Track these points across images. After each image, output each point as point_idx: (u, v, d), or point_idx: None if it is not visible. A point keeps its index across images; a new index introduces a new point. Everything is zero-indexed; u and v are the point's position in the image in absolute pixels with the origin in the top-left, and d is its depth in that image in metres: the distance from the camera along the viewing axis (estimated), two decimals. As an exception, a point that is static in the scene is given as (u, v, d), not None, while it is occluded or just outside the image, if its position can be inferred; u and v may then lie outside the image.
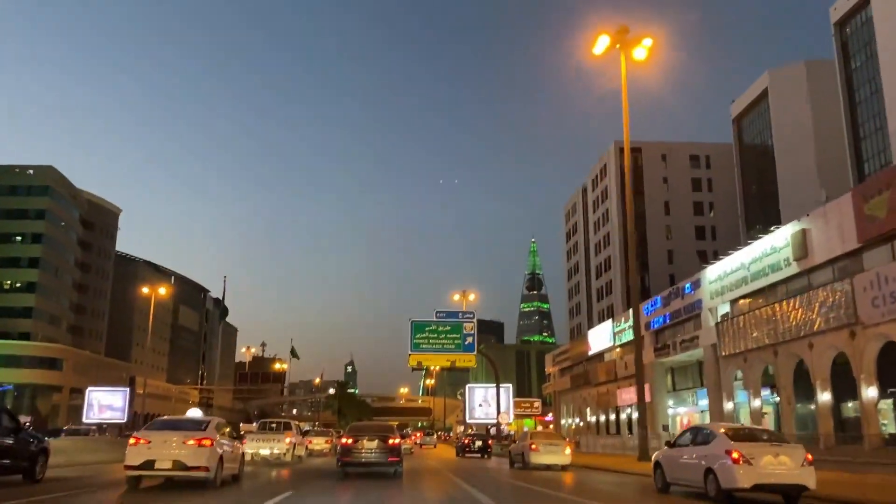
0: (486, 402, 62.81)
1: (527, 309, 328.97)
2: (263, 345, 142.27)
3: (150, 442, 13.24)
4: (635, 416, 69.79)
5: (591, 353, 79.21)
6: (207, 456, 13.14)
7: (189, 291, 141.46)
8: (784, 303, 31.00)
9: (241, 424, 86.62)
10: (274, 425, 28.37)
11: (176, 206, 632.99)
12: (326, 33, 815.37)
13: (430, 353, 48.23)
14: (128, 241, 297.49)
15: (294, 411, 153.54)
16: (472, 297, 64.67)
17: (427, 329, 48.30)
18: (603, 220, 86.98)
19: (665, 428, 59.77)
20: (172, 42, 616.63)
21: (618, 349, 71.66)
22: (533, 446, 24.59)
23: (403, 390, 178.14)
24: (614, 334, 71.56)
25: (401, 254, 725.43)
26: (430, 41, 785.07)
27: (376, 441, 18.08)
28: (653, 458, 16.59)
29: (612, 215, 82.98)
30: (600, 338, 75.30)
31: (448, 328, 48.13)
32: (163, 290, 60.22)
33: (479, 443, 38.21)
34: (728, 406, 45.94)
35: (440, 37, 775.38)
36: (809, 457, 12.62)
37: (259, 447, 25.31)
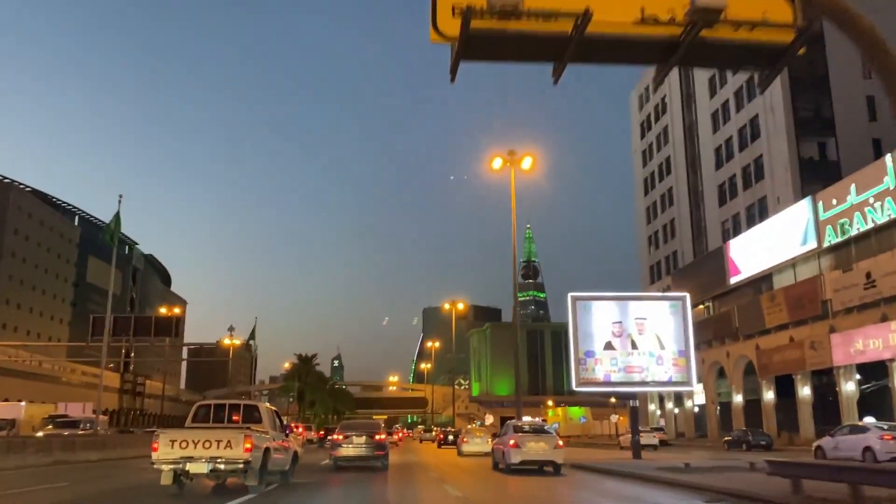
0: (629, 344, 23.71)
1: (522, 298, 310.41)
2: (231, 329, 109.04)
3: None
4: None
5: (735, 279, 45.49)
6: None
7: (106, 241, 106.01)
8: None
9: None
10: (222, 412, 13.88)
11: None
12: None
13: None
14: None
15: (267, 402, 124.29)
16: (460, 305, 67.60)
17: None
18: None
19: None
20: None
21: (828, 255, 37.63)
22: (464, 440, 31.14)
23: (393, 378, 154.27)
24: (817, 226, 37.26)
25: (390, 245, 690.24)
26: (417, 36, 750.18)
27: (364, 437, 20.11)
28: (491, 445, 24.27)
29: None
30: (772, 245, 41.40)
31: None
32: None
33: (451, 437, 41.93)
34: None
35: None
36: (560, 443, 19.71)
37: (188, 456, 11.50)
